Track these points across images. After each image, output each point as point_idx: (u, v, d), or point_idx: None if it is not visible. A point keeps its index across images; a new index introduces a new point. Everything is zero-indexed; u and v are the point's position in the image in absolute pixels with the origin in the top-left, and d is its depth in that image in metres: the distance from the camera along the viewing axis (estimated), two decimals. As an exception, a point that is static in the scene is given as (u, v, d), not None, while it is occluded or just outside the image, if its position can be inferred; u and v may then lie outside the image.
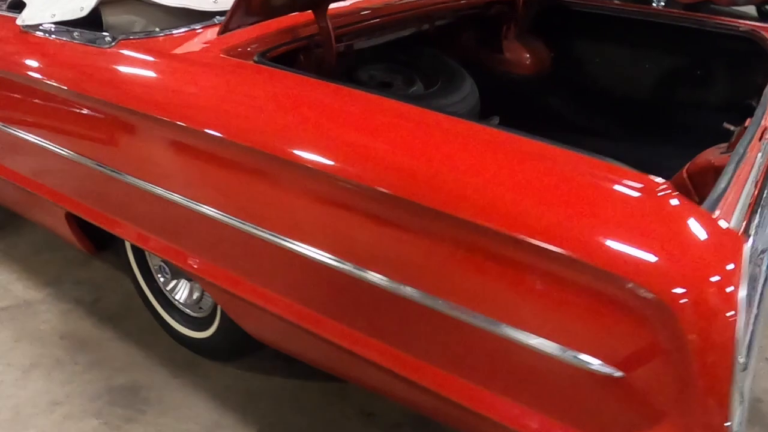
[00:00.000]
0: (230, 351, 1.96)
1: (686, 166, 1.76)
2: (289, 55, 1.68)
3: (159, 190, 1.52)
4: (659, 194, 0.98)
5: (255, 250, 1.42)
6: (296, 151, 1.22)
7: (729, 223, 1.15)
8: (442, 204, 1.04)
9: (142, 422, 1.84)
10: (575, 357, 0.95)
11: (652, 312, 0.87)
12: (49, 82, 1.70)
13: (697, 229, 0.94)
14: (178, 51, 1.60)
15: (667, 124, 2.47)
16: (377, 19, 2.07)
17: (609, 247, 0.90)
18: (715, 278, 0.87)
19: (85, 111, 1.65)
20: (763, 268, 1.53)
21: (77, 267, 2.53)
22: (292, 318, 1.40)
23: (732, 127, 1.80)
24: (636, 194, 0.98)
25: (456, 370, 1.13)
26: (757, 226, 1.70)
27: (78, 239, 2.04)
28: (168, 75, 1.51)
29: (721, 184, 1.19)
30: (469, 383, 1.11)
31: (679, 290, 0.86)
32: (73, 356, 2.09)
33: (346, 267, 1.22)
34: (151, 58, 1.54)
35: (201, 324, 1.97)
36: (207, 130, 1.32)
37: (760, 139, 1.58)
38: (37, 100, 1.79)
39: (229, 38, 1.58)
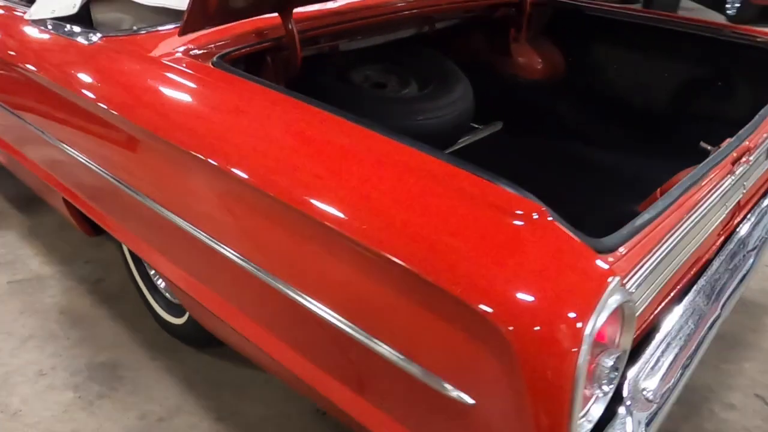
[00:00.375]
0: (201, 339, 2.03)
1: (661, 187, 1.67)
2: (256, 56, 1.71)
3: (119, 183, 1.60)
4: (532, 221, 0.94)
5: (200, 252, 1.46)
6: (218, 157, 1.25)
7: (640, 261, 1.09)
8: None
9: (113, 399, 1.95)
10: (432, 378, 0.94)
11: (497, 342, 0.84)
12: (40, 73, 1.81)
13: (560, 261, 0.89)
14: (156, 49, 1.66)
15: (679, 136, 2.34)
16: (368, 20, 2.07)
17: (462, 271, 0.88)
18: (568, 314, 0.83)
19: (67, 102, 1.75)
20: (722, 300, 1.44)
21: (91, 247, 2.69)
22: (238, 328, 1.44)
23: (709, 147, 1.69)
24: (511, 220, 0.94)
25: (340, 377, 1.16)
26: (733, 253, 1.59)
27: (76, 221, 2.16)
28: (129, 73, 1.58)
29: (643, 216, 1.13)
30: (364, 401, 1.12)
31: (520, 322, 0.83)
32: (66, 331, 2.23)
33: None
34: (119, 56, 1.62)
35: (178, 310, 2.05)
36: (147, 129, 1.38)
37: (735, 163, 1.47)
38: (32, 89, 1.91)
39: (200, 37, 1.63)
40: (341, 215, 1.03)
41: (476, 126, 2.53)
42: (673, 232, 1.22)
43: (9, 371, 2.05)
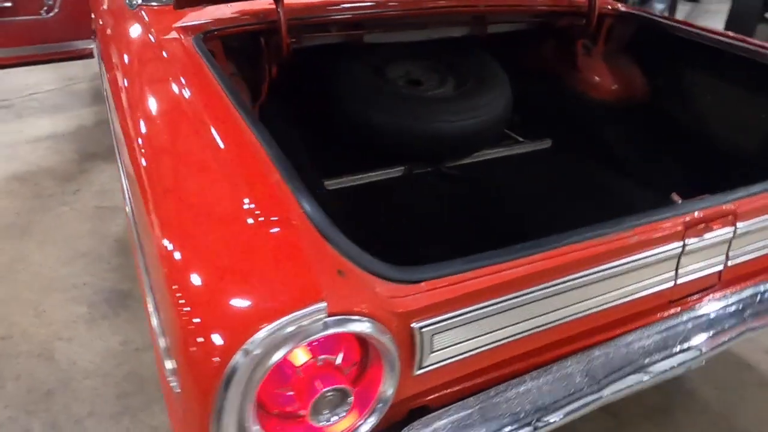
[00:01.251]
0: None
1: None
2: (251, 37, 1.80)
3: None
4: (286, 227, 0.91)
5: None
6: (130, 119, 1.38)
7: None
8: None
9: (112, 321, 2.22)
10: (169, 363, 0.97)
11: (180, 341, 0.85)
12: (102, 28, 2.10)
13: (285, 273, 0.86)
14: (179, 21, 1.82)
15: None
16: (406, 13, 2.04)
17: (185, 265, 0.89)
18: (243, 326, 0.80)
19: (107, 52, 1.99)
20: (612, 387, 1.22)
21: (168, 191, 3.04)
22: None
23: (679, 200, 1.44)
24: (263, 226, 0.92)
25: None
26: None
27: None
28: (132, 41, 1.76)
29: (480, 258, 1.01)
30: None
31: (196, 325, 0.82)
32: (111, 257, 2.57)
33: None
34: (137, 23, 1.80)
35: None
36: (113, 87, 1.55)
37: (692, 227, 1.23)
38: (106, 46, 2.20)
39: (201, 16, 1.76)
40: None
41: (520, 139, 2.37)
42: (532, 285, 1.07)
43: (53, 278, 2.44)
